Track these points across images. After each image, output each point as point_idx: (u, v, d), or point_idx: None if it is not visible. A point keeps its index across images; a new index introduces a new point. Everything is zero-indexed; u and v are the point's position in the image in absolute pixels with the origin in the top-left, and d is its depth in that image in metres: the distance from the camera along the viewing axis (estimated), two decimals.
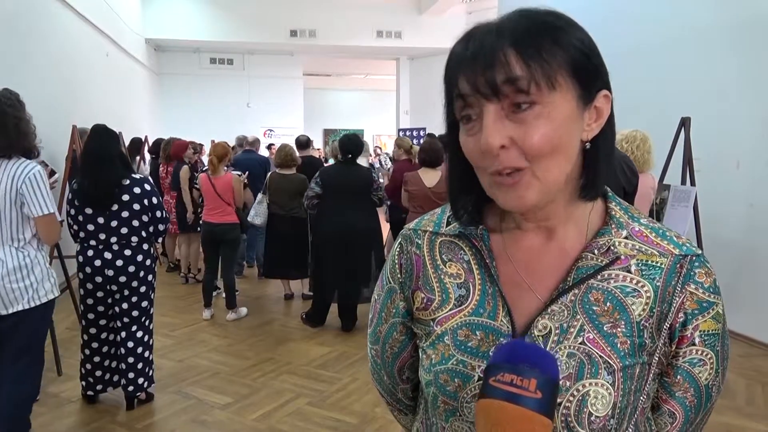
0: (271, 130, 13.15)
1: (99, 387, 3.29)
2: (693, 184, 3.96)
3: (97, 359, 3.24)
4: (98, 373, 3.26)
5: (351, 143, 4.71)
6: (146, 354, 3.25)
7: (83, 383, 3.28)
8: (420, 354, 0.84)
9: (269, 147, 10.60)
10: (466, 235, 0.81)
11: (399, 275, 0.87)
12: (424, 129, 11.02)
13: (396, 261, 0.87)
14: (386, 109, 16.98)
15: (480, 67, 0.67)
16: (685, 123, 4.01)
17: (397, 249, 0.88)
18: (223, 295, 5.77)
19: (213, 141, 6.25)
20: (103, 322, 3.20)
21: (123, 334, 3.18)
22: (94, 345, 3.22)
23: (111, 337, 3.25)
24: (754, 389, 3.61)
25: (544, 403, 0.60)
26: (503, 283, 0.77)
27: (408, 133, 10.95)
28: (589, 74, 0.70)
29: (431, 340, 0.80)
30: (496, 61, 0.66)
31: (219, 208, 4.87)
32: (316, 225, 4.75)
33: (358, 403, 3.41)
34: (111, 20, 8.59)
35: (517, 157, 0.67)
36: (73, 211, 3.07)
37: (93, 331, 3.21)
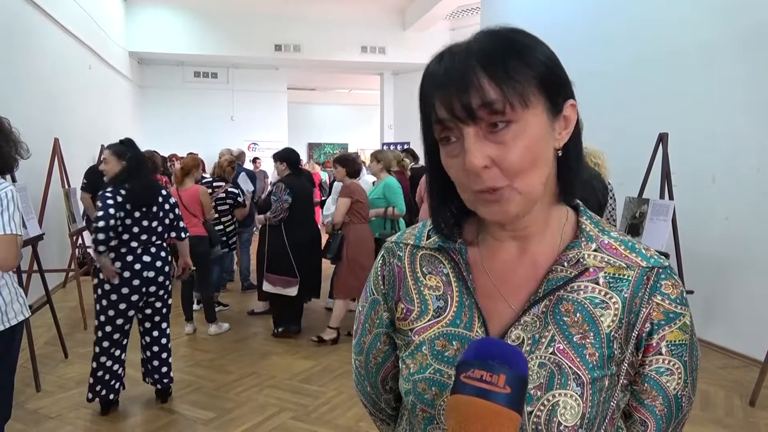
0: (255, 144, 13.13)
1: (104, 392, 3.30)
2: (671, 198, 4.04)
3: (110, 363, 3.29)
4: (107, 377, 3.30)
5: (296, 156, 5.16)
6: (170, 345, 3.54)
7: (100, 389, 3.28)
8: (400, 364, 0.86)
9: (254, 161, 10.60)
10: (445, 248, 0.83)
11: (382, 286, 0.89)
12: (408, 143, 11.09)
13: (379, 272, 0.90)
14: (370, 123, 17.05)
15: (455, 91, 0.69)
16: (662, 138, 4.10)
17: (380, 261, 0.91)
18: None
19: (191, 153, 6.21)
20: (127, 327, 3.30)
21: (155, 333, 3.43)
22: (116, 352, 3.29)
23: (124, 341, 3.35)
24: (733, 401, 3.66)
25: (512, 398, 0.62)
26: (479, 294, 0.80)
27: (392, 147, 11.01)
28: (555, 87, 0.73)
29: (410, 350, 0.83)
30: (470, 85, 0.68)
31: (185, 220, 4.83)
32: (290, 233, 4.82)
33: (343, 417, 3.40)
34: (94, 33, 8.56)
35: (498, 177, 0.70)
36: (121, 214, 3.15)
37: (117, 336, 3.27)
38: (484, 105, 0.68)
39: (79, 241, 5.92)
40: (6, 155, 2.34)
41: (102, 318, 3.21)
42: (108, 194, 3.15)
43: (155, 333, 3.42)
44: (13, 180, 3.67)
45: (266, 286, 4.85)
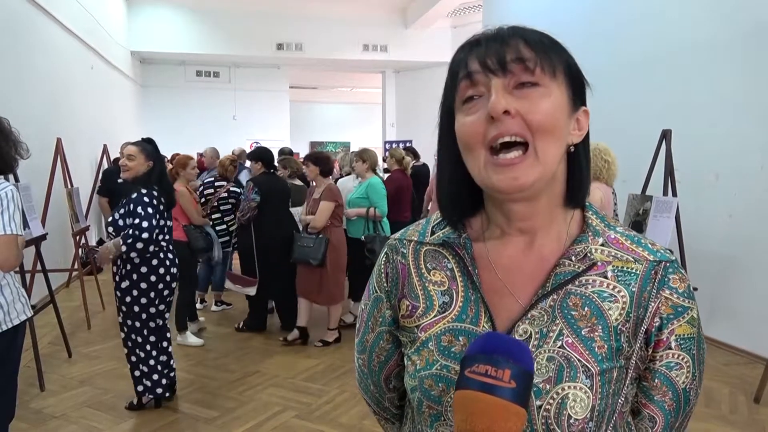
0: (257, 143, 13.12)
1: (163, 384, 3.41)
2: (675, 195, 4.03)
3: (163, 358, 3.41)
4: (166, 370, 3.42)
5: (272, 155, 5.17)
6: None
7: (166, 383, 3.41)
8: (405, 361, 0.85)
9: None
10: (450, 243, 0.83)
11: (385, 284, 0.88)
12: (410, 141, 11.08)
13: (382, 270, 0.89)
14: (372, 121, 17.06)
15: (492, 48, 0.74)
16: (666, 135, 4.09)
17: (383, 258, 0.90)
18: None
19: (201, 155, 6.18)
20: (160, 322, 3.39)
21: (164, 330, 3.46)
22: (164, 344, 3.41)
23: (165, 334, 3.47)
24: (738, 397, 3.65)
25: (518, 393, 0.62)
26: (485, 289, 0.79)
27: (394, 145, 11.00)
28: (578, 82, 0.77)
29: (416, 346, 0.82)
30: (508, 44, 0.74)
31: None
32: (259, 233, 4.81)
33: (346, 415, 3.40)
34: (96, 33, 8.56)
35: (520, 126, 0.71)
36: (162, 221, 3.29)
37: (165, 337, 3.41)
38: (518, 59, 0.72)
39: (82, 240, 5.92)
40: (6, 155, 2.33)
41: (144, 316, 3.27)
42: (146, 199, 3.18)
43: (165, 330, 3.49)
44: (16, 180, 3.68)
45: (227, 283, 4.97)
